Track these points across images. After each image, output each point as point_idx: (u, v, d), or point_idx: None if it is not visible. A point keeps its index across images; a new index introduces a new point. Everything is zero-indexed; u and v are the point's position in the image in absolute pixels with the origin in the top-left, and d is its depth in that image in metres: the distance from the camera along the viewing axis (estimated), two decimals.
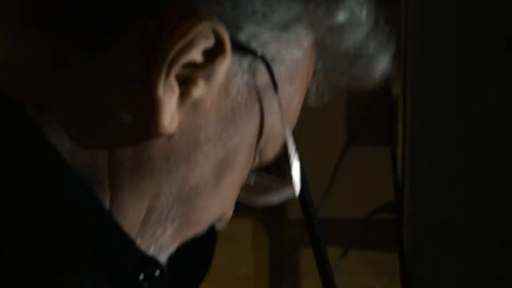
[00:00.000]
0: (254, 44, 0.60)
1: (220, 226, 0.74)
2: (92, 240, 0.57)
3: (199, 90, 0.57)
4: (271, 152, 0.68)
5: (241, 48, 0.59)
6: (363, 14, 0.64)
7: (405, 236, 1.50)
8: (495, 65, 1.56)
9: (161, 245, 0.66)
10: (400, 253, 1.46)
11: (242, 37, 0.58)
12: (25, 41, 0.60)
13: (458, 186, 1.57)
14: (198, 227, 0.67)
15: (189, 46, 0.55)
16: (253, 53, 0.60)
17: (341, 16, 0.62)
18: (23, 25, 0.61)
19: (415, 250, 1.58)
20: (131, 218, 0.62)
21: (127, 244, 0.62)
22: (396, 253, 1.53)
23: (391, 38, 0.67)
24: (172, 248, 0.68)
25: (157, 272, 0.62)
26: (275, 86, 0.62)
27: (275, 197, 0.75)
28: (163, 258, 0.67)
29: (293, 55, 0.63)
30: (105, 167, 0.60)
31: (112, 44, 0.57)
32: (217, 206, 0.68)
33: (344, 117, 2.34)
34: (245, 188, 0.72)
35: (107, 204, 0.60)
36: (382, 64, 0.66)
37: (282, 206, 2.32)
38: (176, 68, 0.55)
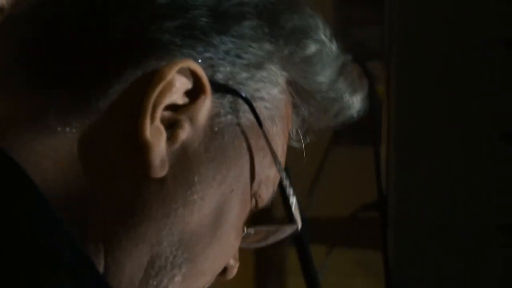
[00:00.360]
0: (231, 83, 0.61)
1: (228, 277, 0.73)
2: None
3: (185, 132, 0.58)
4: (266, 194, 0.68)
5: (220, 88, 0.60)
6: (333, 46, 0.67)
7: (389, 235, 1.50)
8: (476, 66, 1.55)
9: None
10: (384, 252, 1.46)
11: (220, 77, 0.59)
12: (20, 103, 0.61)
13: (442, 186, 1.57)
14: (206, 277, 0.67)
15: (169, 88, 0.56)
16: (232, 92, 0.60)
17: (312, 48, 0.65)
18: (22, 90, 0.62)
19: (399, 249, 1.58)
20: (130, 267, 0.61)
21: None
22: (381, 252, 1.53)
23: (361, 77, 0.73)
24: None
25: None
26: (259, 122, 0.62)
27: (281, 236, 0.75)
28: None
29: (270, 93, 0.64)
30: (98, 218, 0.60)
31: (99, 96, 0.58)
32: (220, 252, 0.67)
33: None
34: (250, 237, 0.73)
35: (101, 257, 0.60)
36: (357, 101, 0.70)
37: (268, 207, 2.36)
38: (160, 111, 0.56)
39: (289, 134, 0.74)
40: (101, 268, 0.59)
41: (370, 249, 2.03)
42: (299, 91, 0.70)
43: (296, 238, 1.30)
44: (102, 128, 0.60)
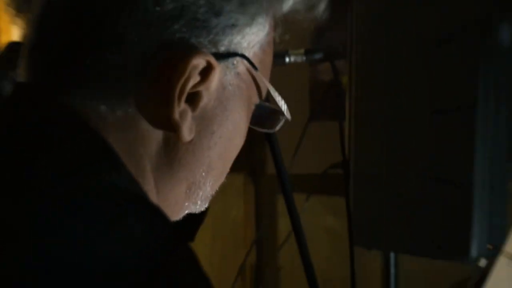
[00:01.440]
0: (231, 49, 0.63)
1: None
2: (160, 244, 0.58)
3: (203, 100, 0.61)
4: (258, 99, 0.72)
5: (223, 56, 0.62)
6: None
7: (350, 186, 1.60)
8: (414, 60, 1.61)
9: (205, 197, 0.71)
10: (347, 199, 1.54)
11: (222, 49, 0.61)
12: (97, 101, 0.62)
13: (389, 150, 1.63)
14: (225, 175, 0.72)
15: (188, 79, 0.58)
16: (233, 55, 0.63)
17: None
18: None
19: (357, 196, 1.67)
20: (174, 195, 0.68)
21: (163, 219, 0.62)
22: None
23: None
24: (211, 194, 0.74)
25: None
26: (254, 67, 0.65)
27: (278, 124, 0.77)
28: (206, 205, 0.74)
29: (259, 37, 0.65)
30: (146, 170, 0.64)
31: (129, 95, 0.61)
32: (234, 154, 0.72)
33: (308, 101, 2.35)
34: (258, 123, 0.76)
35: (153, 193, 0.65)
36: (322, 7, 0.70)
37: (263, 165, 2.44)
38: (184, 97, 0.58)
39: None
40: (154, 200, 0.63)
41: (337, 196, 2.07)
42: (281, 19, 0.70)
43: (283, 188, 1.35)
44: (145, 115, 0.63)
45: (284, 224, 2.32)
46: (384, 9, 1.71)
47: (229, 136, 0.68)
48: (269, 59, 0.70)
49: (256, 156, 2.35)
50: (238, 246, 2.55)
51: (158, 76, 0.59)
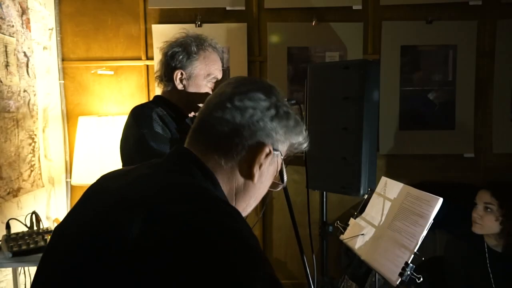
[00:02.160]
0: (278, 148, 0.94)
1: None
2: (225, 204, 0.86)
3: (264, 166, 0.93)
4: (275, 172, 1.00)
5: (275, 151, 0.94)
6: (307, 139, 1.02)
7: (306, 161, 1.83)
8: (335, 105, 2.17)
9: (249, 210, 1.00)
10: (305, 166, 1.80)
11: (275, 147, 0.93)
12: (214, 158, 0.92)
13: (322, 145, 2.20)
14: (251, 208, 1.00)
15: (264, 158, 0.91)
16: (277, 151, 0.94)
17: (301, 140, 1.01)
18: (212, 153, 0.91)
19: (312, 165, 2.00)
20: (239, 203, 0.96)
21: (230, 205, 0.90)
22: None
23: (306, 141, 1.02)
24: (244, 213, 0.99)
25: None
26: (283, 161, 0.97)
27: (279, 187, 1.03)
28: (245, 213, 1.00)
29: (284, 148, 0.97)
30: (233, 191, 0.94)
31: (237, 156, 0.91)
32: (259, 198, 1.00)
33: None
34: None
35: (233, 200, 0.95)
36: (306, 140, 1.02)
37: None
38: (259, 165, 0.91)
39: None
40: (223, 194, 0.92)
41: (301, 165, 2.22)
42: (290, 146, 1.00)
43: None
44: (241, 167, 0.92)
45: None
46: (320, 81, 2.29)
47: (264, 186, 0.98)
48: (283, 157, 0.98)
49: None
50: None
51: (252, 153, 0.91)
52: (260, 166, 0.92)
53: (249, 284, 0.69)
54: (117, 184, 0.87)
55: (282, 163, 0.98)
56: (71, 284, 0.75)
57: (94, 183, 0.96)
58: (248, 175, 0.92)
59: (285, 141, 0.95)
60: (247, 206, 0.97)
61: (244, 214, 0.97)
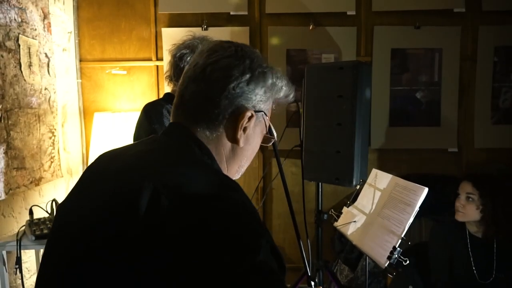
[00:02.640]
0: (259, 108, 0.90)
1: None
2: (227, 178, 0.84)
3: (248, 130, 0.90)
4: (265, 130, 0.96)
5: (257, 111, 0.90)
6: (291, 91, 0.98)
7: (303, 154, 2.09)
8: (329, 103, 2.19)
9: (242, 171, 0.97)
10: (301, 159, 1.88)
11: (257, 108, 0.90)
12: (200, 128, 0.87)
13: (317, 139, 2.20)
14: (244, 168, 0.97)
15: (247, 122, 0.88)
16: (260, 111, 0.91)
17: (284, 95, 0.97)
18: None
19: (307, 159, 2.22)
20: (232, 169, 0.94)
21: (230, 179, 0.86)
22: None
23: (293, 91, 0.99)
24: (238, 174, 0.97)
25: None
26: (267, 117, 0.93)
27: (271, 141, 0.99)
28: (239, 175, 0.98)
29: (268, 106, 0.93)
30: (223, 157, 0.91)
31: (220, 126, 0.87)
32: (253, 156, 0.97)
33: (285, 118, 2.89)
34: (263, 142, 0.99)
35: (224, 166, 0.91)
36: (291, 91, 0.99)
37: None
38: (242, 128, 0.87)
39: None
40: (225, 172, 0.90)
41: (297, 158, 2.55)
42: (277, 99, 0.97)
43: (276, 154, 1.34)
44: (226, 135, 0.88)
45: (275, 170, 2.93)
46: (316, 81, 2.31)
47: (254, 146, 0.95)
48: (269, 114, 0.95)
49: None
50: (253, 178, 3.04)
51: (234, 120, 0.87)
52: (244, 130, 0.88)
53: (255, 248, 0.68)
54: (117, 164, 0.82)
55: (268, 119, 0.95)
56: (76, 272, 0.72)
57: (93, 163, 0.90)
58: (234, 140, 0.88)
59: (267, 100, 0.92)
60: (239, 167, 0.94)
61: (238, 175, 0.95)
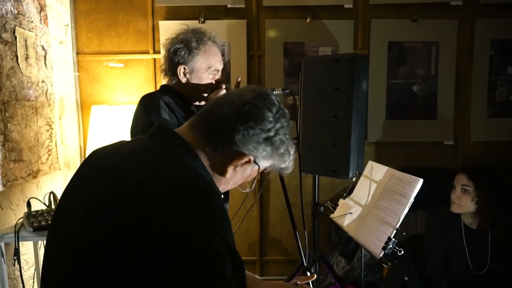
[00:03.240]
0: (257, 161, 0.96)
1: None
2: (211, 183, 0.93)
3: (238, 168, 0.95)
4: (253, 176, 1.01)
5: (255, 163, 0.96)
6: (290, 168, 1.03)
7: (299, 147, 2.01)
8: (326, 95, 2.18)
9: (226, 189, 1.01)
10: (298, 152, 1.88)
11: (257, 160, 0.95)
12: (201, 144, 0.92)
13: (314, 131, 2.22)
14: (226, 189, 1.01)
15: (242, 164, 0.94)
16: (256, 163, 0.96)
17: (285, 165, 1.01)
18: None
19: (302, 152, 2.17)
20: (218, 183, 0.97)
21: (218, 189, 0.96)
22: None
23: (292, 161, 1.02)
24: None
25: (222, 196, 0.99)
26: (261, 171, 0.99)
27: (246, 190, 1.07)
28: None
29: (266, 165, 0.98)
30: (217, 171, 0.95)
31: (223, 152, 0.93)
32: (226, 189, 1.01)
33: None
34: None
35: (216, 178, 0.96)
36: (289, 169, 1.04)
37: None
38: (234, 167, 0.94)
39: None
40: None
41: (295, 152, 2.64)
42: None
43: None
44: (220, 160, 0.93)
45: None
46: (313, 73, 2.29)
47: (234, 182, 1.00)
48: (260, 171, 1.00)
49: None
50: None
51: (233, 154, 0.93)
52: (235, 167, 0.94)
53: (203, 246, 0.75)
54: (110, 162, 0.89)
55: (257, 175, 1.00)
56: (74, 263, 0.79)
57: (87, 159, 0.97)
58: (222, 171, 0.94)
59: (268, 161, 0.96)
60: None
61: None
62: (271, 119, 0.93)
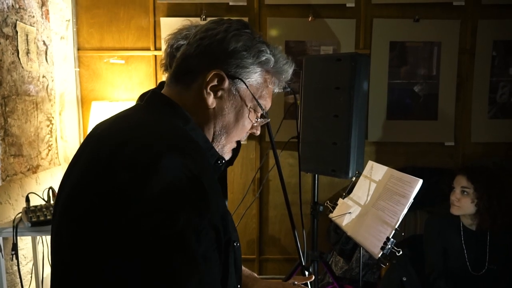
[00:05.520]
0: (237, 75, 0.88)
1: (255, 133, 0.98)
2: (203, 146, 0.87)
3: (219, 92, 0.88)
4: (255, 112, 0.94)
5: (231, 77, 0.88)
6: (288, 65, 0.95)
7: (299, 146, 1.90)
8: (327, 94, 2.18)
9: (222, 146, 0.93)
10: (298, 151, 1.84)
11: (232, 73, 0.88)
12: (175, 89, 0.90)
13: (314, 130, 2.21)
14: (234, 139, 0.94)
15: (213, 81, 0.87)
16: (236, 78, 0.88)
17: (277, 67, 0.93)
18: (175, 84, 0.90)
19: (302, 150, 2.23)
20: (211, 137, 0.91)
21: (213, 149, 0.90)
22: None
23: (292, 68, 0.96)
24: (227, 148, 0.94)
25: (222, 161, 0.92)
26: (245, 85, 0.89)
27: (263, 122, 0.98)
28: (226, 155, 0.95)
29: (252, 76, 0.90)
30: (204, 123, 0.89)
31: (193, 84, 0.88)
32: (239, 132, 0.94)
33: (283, 109, 2.90)
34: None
35: (207, 134, 0.90)
36: (291, 69, 0.96)
37: (264, 137, 2.94)
38: (210, 87, 0.87)
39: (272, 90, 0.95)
40: (195, 127, 0.87)
41: (294, 150, 2.58)
42: (271, 72, 0.93)
43: (272, 147, 1.45)
44: (194, 94, 0.88)
45: (272, 162, 2.89)
46: (314, 72, 2.29)
47: (232, 116, 0.91)
48: (268, 95, 0.93)
49: (261, 133, 2.51)
50: (250, 169, 3.03)
51: (203, 78, 0.88)
52: (216, 93, 0.88)
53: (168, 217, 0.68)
54: (101, 129, 0.88)
55: (255, 93, 0.92)
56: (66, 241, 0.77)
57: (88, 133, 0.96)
58: (204, 104, 0.88)
59: (249, 68, 0.89)
60: (216, 136, 0.92)
61: (221, 148, 0.93)
62: (215, 25, 0.90)
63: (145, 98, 0.92)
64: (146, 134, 0.77)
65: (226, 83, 0.87)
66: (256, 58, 0.89)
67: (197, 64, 0.87)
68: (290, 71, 0.95)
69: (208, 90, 0.87)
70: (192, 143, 0.82)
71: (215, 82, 0.87)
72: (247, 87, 0.89)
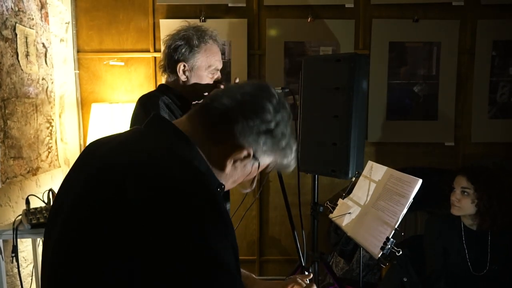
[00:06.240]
0: (259, 157, 0.93)
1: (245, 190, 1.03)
2: (208, 176, 0.89)
3: (237, 162, 0.92)
4: (253, 174, 0.98)
5: (255, 158, 0.92)
6: (293, 166, 0.99)
7: (299, 146, 2.04)
8: (327, 95, 2.17)
9: (226, 188, 0.96)
10: (297, 150, 1.51)
11: (257, 155, 0.92)
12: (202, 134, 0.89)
13: (314, 131, 2.21)
14: (233, 184, 0.98)
15: (242, 158, 0.90)
16: (257, 159, 0.93)
17: (287, 161, 0.98)
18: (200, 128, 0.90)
19: (301, 150, 2.20)
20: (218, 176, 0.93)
21: (217, 180, 0.92)
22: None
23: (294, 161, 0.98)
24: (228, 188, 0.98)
25: (223, 187, 0.94)
26: (259, 165, 0.95)
27: (246, 190, 1.02)
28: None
29: (267, 162, 0.95)
30: (215, 166, 0.91)
31: (223, 144, 0.89)
32: (231, 185, 0.98)
33: None
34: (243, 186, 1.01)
35: (215, 173, 0.92)
36: (292, 166, 1.00)
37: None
38: (233, 160, 0.90)
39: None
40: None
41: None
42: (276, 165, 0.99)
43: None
44: (218, 153, 0.90)
45: None
46: (313, 73, 2.28)
47: (234, 179, 0.97)
48: (261, 169, 0.97)
49: None
50: None
51: (233, 149, 0.90)
52: (235, 162, 0.90)
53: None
54: (103, 150, 0.88)
55: (258, 172, 0.96)
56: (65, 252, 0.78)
57: (83, 150, 0.96)
58: (222, 166, 0.90)
59: (269, 156, 0.93)
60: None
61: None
62: (271, 110, 0.89)
63: (155, 127, 0.92)
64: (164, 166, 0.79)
65: (247, 161, 0.91)
66: (281, 157, 0.95)
67: (236, 133, 0.88)
68: (292, 167, 1.01)
69: (231, 160, 0.90)
70: (203, 175, 0.85)
71: (241, 157, 0.90)
72: (258, 166, 0.94)
